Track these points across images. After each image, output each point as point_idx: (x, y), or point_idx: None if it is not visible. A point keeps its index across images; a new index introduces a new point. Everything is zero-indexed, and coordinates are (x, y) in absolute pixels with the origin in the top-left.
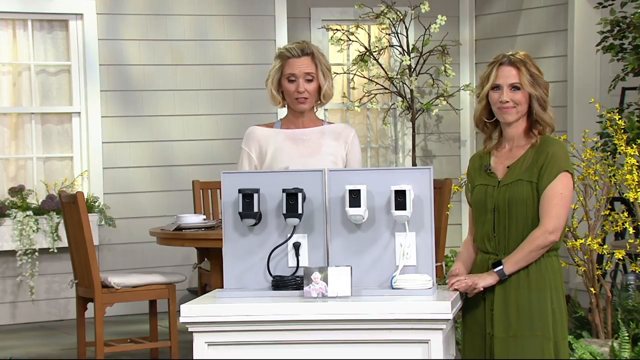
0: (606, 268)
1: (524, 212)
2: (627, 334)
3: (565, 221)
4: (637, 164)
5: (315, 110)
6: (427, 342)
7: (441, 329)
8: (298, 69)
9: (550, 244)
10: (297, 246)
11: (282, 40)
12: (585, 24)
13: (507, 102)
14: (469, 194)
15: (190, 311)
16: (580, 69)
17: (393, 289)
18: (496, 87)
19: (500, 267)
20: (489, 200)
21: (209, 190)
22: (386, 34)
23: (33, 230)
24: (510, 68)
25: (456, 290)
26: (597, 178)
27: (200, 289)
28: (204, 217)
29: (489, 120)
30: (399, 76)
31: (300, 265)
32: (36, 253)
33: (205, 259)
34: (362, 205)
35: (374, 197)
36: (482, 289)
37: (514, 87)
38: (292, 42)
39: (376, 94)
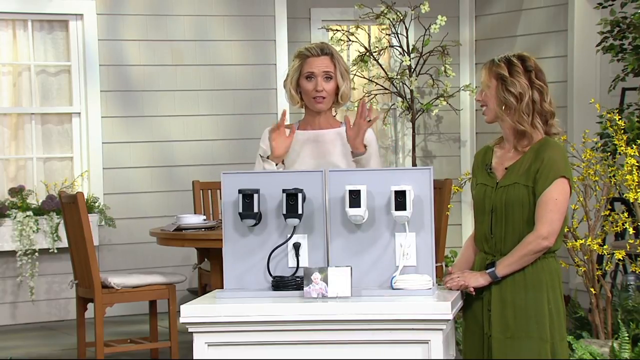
0: (606, 268)
1: (520, 214)
2: (627, 335)
3: (560, 226)
4: (637, 164)
5: (334, 112)
6: (427, 343)
7: (441, 329)
8: (317, 67)
9: (543, 249)
10: (297, 246)
11: (282, 40)
12: (585, 24)
13: (479, 100)
14: (473, 191)
15: (191, 311)
16: (580, 69)
17: (393, 289)
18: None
19: (493, 268)
20: (487, 201)
21: (209, 191)
22: (386, 34)
23: (33, 231)
24: (484, 69)
25: (449, 288)
26: (597, 178)
27: (201, 290)
28: (204, 217)
29: None
30: (399, 76)
31: (300, 265)
32: (36, 253)
33: (206, 259)
34: (362, 206)
35: (374, 197)
36: (472, 289)
37: (485, 87)
38: (312, 43)
39: (376, 95)
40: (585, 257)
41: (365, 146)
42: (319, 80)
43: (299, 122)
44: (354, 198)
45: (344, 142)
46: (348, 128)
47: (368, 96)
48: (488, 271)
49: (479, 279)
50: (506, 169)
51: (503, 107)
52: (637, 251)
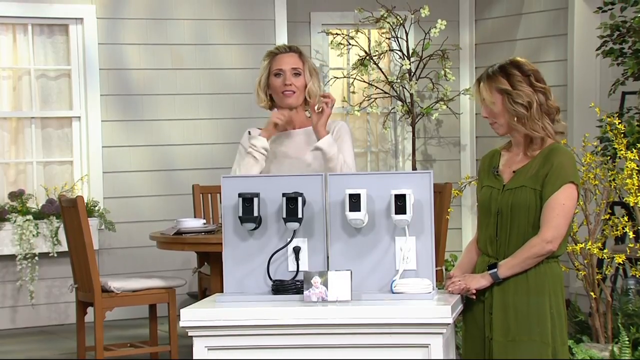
0: (606, 272)
1: (526, 218)
2: (627, 339)
3: (565, 231)
4: (637, 168)
5: (308, 113)
6: (427, 347)
7: (441, 333)
8: (286, 64)
9: (547, 253)
10: (297, 250)
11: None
12: (585, 28)
13: (487, 117)
14: (478, 194)
15: (190, 315)
16: (580, 73)
17: (393, 293)
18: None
19: (495, 270)
20: (493, 203)
21: (209, 195)
22: (386, 38)
23: (33, 235)
24: (483, 85)
25: (451, 292)
26: (597, 182)
27: (200, 293)
28: (204, 221)
29: None
30: (399, 80)
31: (300, 269)
32: (36, 257)
33: (205, 263)
34: (362, 210)
35: (374, 201)
36: (475, 291)
37: (489, 105)
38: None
39: (376, 98)
40: (585, 261)
41: (327, 132)
42: (288, 75)
43: None
44: (354, 202)
45: (315, 139)
46: (313, 113)
47: (368, 100)
48: (490, 272)
49: (480, 281)
50: (514, 172)
51: (515, 119)
52: (637, 255)
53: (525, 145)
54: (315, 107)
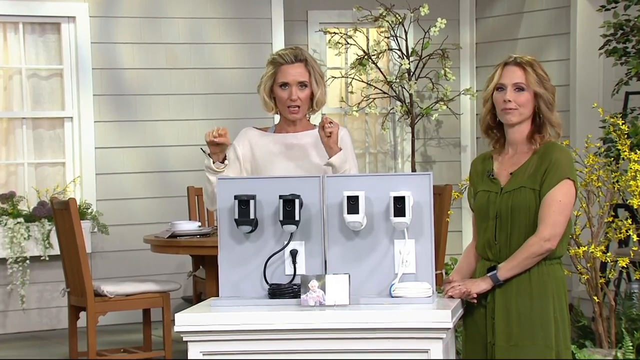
0: (610, 276)
1: (526, 219)
2: (631, 344)
3: (563, 229)
4: None
5: (308, 117)
6: (427, 352)
7: (441, 338)
8: (291, 76)
9: (545, 252)
10: (294, 254)
11: (278, 43)
12: (587, 27)
13: (510, 102)
14: (471, 200)
15: (185, 320)
16: (583, 73)
17: (392, 297)
18: (500, 88)
19: (494, 272)
20: (491, 207)
21: None
22: (385, 37)
23: (24, 238)
24: (516, 68)
25: (451, 297)
26: (600, 184)
27: (195, 298)
28: (199, 224)
29: (493, 125)
30: (398, 80)
31: (297, 273)
32: (27, 261)
33: (200, 267)
34: (361, 212)
35: (373, 203)
36: (475, 295)
37: (519, 88)
38: (285, 47)
39: (375, 99)
40: (588, 265)
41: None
42: (294, 89)
43: (275, 125)
44: (352, 204)
45: (319, 143)
46: (321, 132)
47: (366, 100)
48: (490, 275)
49: (481, 284)
50: (511, 174)
51: (543, 104)
52: None
53: (528, 137)
54: (325, 132)
